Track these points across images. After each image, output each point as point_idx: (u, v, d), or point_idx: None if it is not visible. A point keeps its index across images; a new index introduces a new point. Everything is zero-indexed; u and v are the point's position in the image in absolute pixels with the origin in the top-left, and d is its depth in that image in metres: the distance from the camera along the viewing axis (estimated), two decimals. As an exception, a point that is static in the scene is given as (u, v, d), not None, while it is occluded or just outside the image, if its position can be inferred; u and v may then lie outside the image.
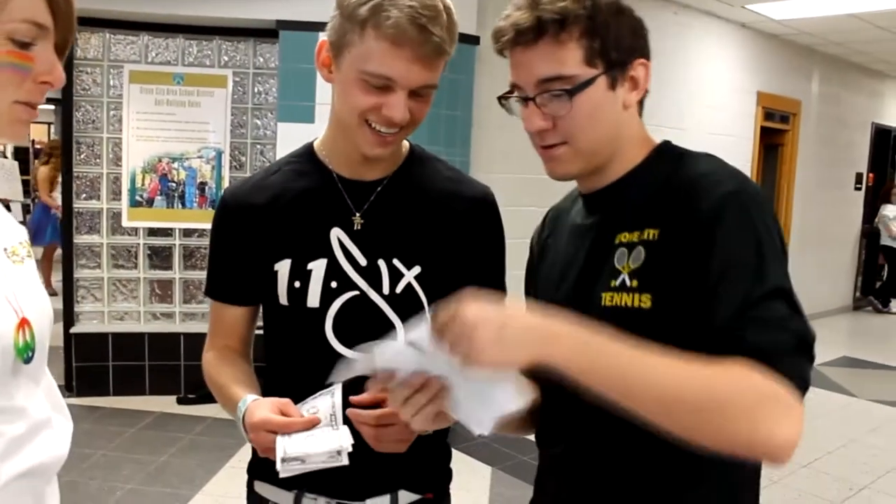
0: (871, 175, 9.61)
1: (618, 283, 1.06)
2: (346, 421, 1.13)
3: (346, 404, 1.14)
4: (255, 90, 4.88)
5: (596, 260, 1.11)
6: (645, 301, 1.02)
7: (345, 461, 1.08)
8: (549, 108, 1.06)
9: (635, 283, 1.04)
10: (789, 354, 0.91)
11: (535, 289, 1.27)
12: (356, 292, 1.26)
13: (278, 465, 1.08)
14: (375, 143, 1.19)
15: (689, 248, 0.98)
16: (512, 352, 0.89)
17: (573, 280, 1.14)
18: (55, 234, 8.39)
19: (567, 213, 1.24)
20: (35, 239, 8.36)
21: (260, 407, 1.15)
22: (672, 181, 1.06)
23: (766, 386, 0.88)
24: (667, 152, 1.14)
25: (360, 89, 1.15)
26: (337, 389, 1.15)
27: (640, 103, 1.13)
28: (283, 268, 1.27)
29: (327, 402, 1.15)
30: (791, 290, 0.95)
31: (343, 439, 1.09)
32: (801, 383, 0.90)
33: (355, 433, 1.12)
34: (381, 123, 1.17)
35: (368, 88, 1.14)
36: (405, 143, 1.34)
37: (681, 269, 0.99)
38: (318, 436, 1.10)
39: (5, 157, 8.68)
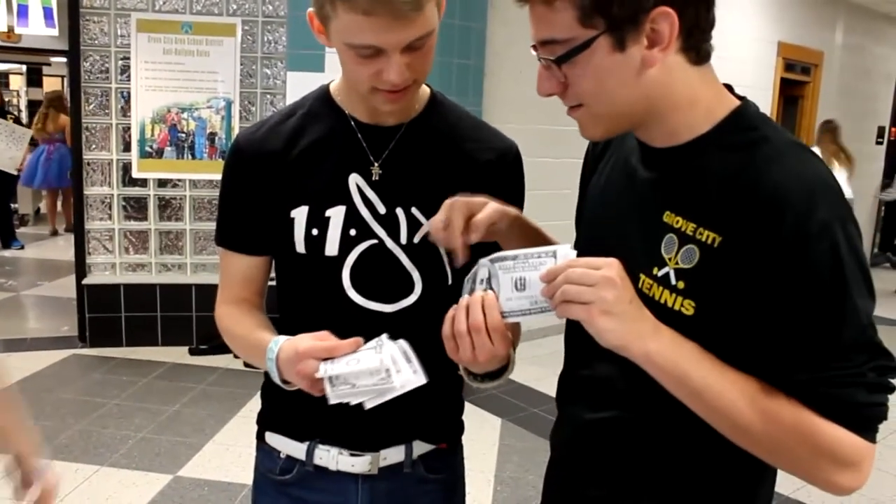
0: (893, 129, 9.44)
1: (661, 274, 0.97)
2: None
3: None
4: (265, 39, 4.80)
5: (642, 230, 1.02)
6: (687, 308, 0.94)
7: (395, 385, 1.01)
8: (553, 72, 0.95)
9: (681, 284, 0.95)
10: (860, 406, 0.89)
11: (583, 207, 1.21)
12: (375, 241, 1.23)
13: (327, 390, 1.04)
14: (389, 100, 1.15)
15: (760, 274, 0.89)
16: (623, 327, 0.89)
17: (615, 233, 1.06)
18: (48, 178, 8.53)
19: (628, 136, 1.10)
20: (28, 181, 8.50)
21: (301, 339, 1.11)
22: (747, 179, 0.91)
23: (825, 443, 0.89)
24: (744, 125, 0.97)
25: (354, 60, 1.11)
26: (383, 336, 1.10)
27: (698, 51, 0.96)
28: (301, 215, 1.24)
29: (373, 342, 1.09)
30: (868, 332, 0.90)
31: (384, 361, 1.02)
32: (870, 426, 0.91)
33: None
34: (386, 86, 1.12)
35: (361, 58, 1.10)
36: (425, 88, 1.29)
37: (743, 290, 0.90)
38: (361, 357, 1.05)
39: (20, 122, 8.59)
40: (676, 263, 0.96)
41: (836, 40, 8.08)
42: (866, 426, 0.90)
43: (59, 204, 9.29)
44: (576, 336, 1.13)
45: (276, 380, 1.16)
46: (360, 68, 1.11)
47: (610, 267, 0.89)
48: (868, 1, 7.96)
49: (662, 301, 0.97)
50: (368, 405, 1.05)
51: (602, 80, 0.93)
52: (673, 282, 0.96)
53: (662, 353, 0.90)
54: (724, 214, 0.92)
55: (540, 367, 4.81)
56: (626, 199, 1.07)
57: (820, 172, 0.91)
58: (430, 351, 1.06)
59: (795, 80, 7.75)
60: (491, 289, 0.98)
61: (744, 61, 6.87)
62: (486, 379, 1.14)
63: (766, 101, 7.25)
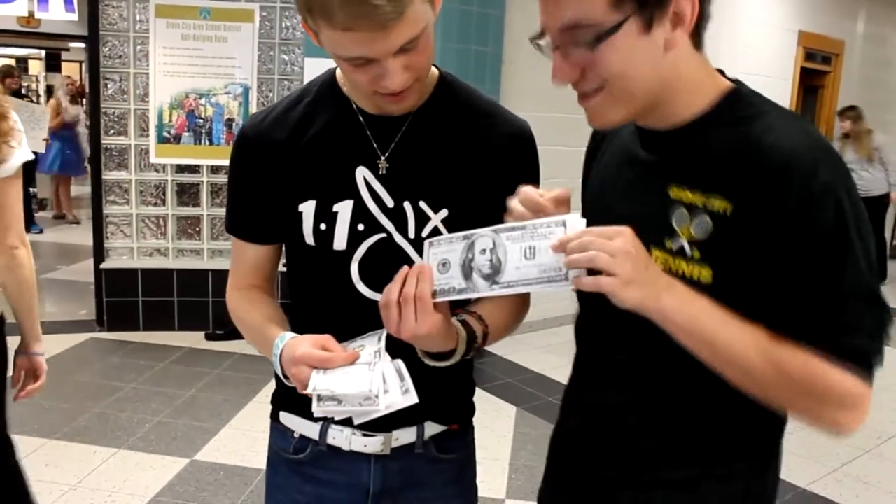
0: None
1: (675, 247, 1.00)
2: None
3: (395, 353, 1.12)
4: (283, 25, 4.81)
5: (647, 206, 1.04)
6: (705, 275, 0.98)
7: (380, 408, 1.05)
8: (574, 58, 0.95)
9: (697, 254, 0.98)
10: (862, 353, 0.94)
11: (585, 191, 1.24)
12: (383, 235, 1.22)
13: (314, 404, 1.07)
14: (393, 101, 1.14)
15: (770, 234, 0.93)
16: (641, 292, 0.92)
17: (617, 216, 1.06)
18: (57, 164, 8.79)
19: (622, 128, 1.13)
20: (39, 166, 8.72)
21: (301, 343, 1.13)
22: (751, 148, 0.95)
23: (835, 384, 0.94)
24: (743, 103, 1.01)
25: (349, 69, 1.09)
26: (384, 332, 1.12)
27: (698, 35, 0.99)
28: (308, 209, 1.23)
29: (373, 343, 1.12)
30: (872, 283, 0.95)
31: (374, 382, 1.05)
32: (870, 370, 0.95)
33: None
34: (386, 91, 1.10)
35: (354, 67, 1.08)
36: (433, 71, 1.26)
37: (755, 252, 0.95)
38: (354, 375, 1.07)
39: (35, 102, 8.75)
40: (690, 235, 0.99)
41: (857, 29, 7.98)
42: (867, 371, 0.95)
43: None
44: (589, 323, 1.16)
45: (280, 375, 1.19)
46: (356, 76, 1.09)
47: (624, 238, 0.92)
48: (891, -11, 7.86)
49: (680, 272, 1.00)
50: (356, 421, 1.09)
51: (628, 63, 0.94)
52: (688, 252, 0.99)
53: (676, 308, 0.94)
54: (731, 183, 0.96)
55: (556, 356, 4.82)
56: (627, 180, 1.10)
57: (820, 139, 0.96)
58: None
59: (816, 69, 7.66)
60: (496, 259, 0.99)
61: (764, 50, 6.80)
62: (434, 358, 1.15)
63: (785, 91, 7.17)
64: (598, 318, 1.14)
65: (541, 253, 0.95)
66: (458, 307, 1.16)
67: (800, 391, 0.96)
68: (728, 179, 0.96)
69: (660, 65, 0.96)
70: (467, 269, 1.02)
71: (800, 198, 0.91)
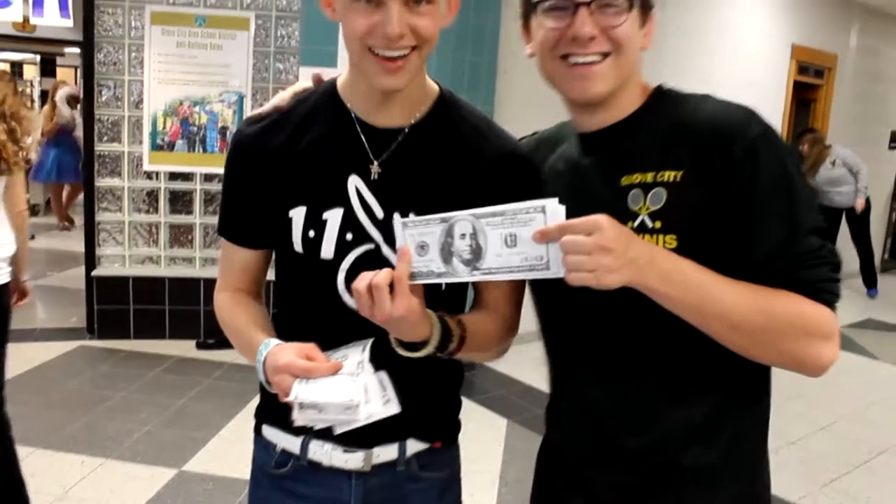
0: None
1: (636, 224, 1.07)
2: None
3: (380, 361, 1.12)
4: (278, 33, 4.80)
5: (603, 200, 1.09)
6: (670, 241, 1.05)
7: (360, 417, 1.05)
8: (601, 17, 1.08)
9: (658, 224, 1.06)
10: (826, 282, 1.03)
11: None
12: (371, 246, 1.22)
13: (294, 412, 1.06)
14: (383, 70, 1.12)
15: (722, 190, 1.03)
16: (625, 276, 0.95)
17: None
18: (54, 172, 8.72)
19: (556, 145, 1.26)
20: (36, 175, 8.71)
21: (284, 350, 1.13)
22: (687, 125, 1.08)
23: (813, 317, 1.02)
24: (668, 95, 1.16)
25: (355, 15, 1.09)
26: (368, 343, 1.12)
27: None
28: (298, 215, 1.22)
29: (357, 353, 1.12)
30: (820, 220, 1.05)
31: (355, 392, 1.04)
32: (836, 302, 1.04)
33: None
34: (382, 46, 1.10)
35: (361, 10, 1.08)
36: (434, 87, 1.27)
37: (712, 209, 1.03)
38: (336, 385, 1.06)
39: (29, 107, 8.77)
40: (647, 209, 1.07)
41: (850, 43, 8.02)
42: (833, 300, 1.04)
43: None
44: (565, 320, 1.23)
45: (264, 382, 1.19)
46: (358, 21, 1.09)
47: (600, 232, 0.93)
48: (883, 3, 7.89)
49: None
50: (336, 431, 1.09)
51: (632, 40, 1.11)
52: (650, 225, 1.07)
53: (662, 280, 0.98)
54: (677, 154, 1.07)
55: (546, 369, 4.79)
56: (576, 186, 1.17)
57: (742, 105, 1.09)
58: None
59: (809, 83, 7.70)
60: (477, 244, 0.99)
61: (757, 64, 6.82)
62: (406, 348, 1.14)
63: (778, 105, 7.20)
64: (576, 312, 1.18)
65: (522, 241, 0.95)
66: (438, 309, 1.15)
67: (787, 332, 1.02)
68: (673, 153, 1.07)
69: (637, 55, 1.13)
70: (447, 254, 1.02)
71: (743, 150, 1.02)
